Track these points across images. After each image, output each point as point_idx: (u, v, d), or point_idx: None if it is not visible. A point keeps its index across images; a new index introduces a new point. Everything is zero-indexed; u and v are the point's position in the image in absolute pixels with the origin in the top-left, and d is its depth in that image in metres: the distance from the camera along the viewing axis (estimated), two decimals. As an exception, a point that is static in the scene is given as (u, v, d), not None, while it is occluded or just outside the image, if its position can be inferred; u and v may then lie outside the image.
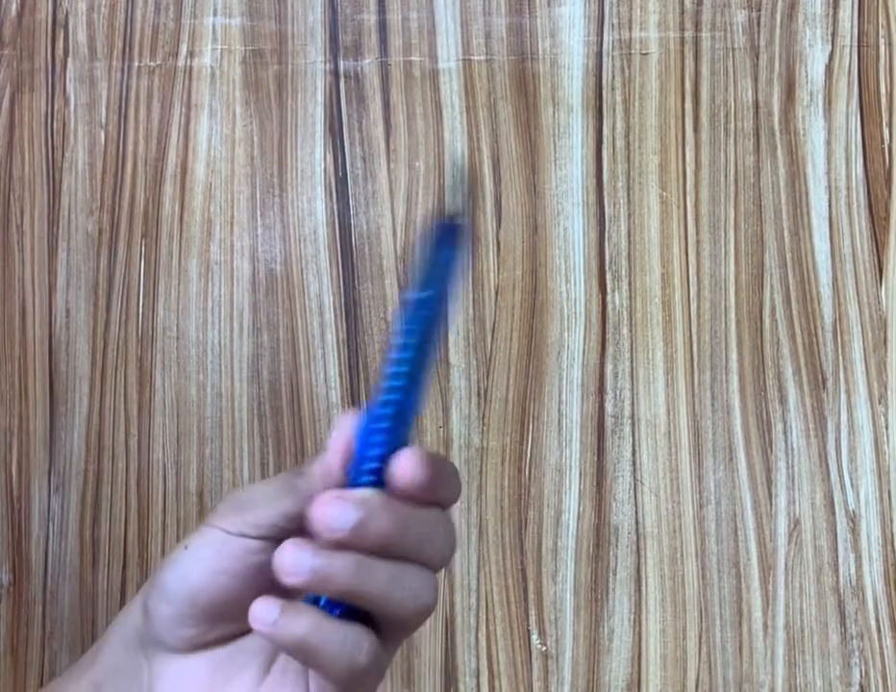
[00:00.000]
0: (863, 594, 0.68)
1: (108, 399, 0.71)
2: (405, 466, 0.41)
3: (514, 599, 0.70)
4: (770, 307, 0.70)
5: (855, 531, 0.69)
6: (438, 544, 0.43)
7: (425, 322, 0.43)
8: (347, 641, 0.41)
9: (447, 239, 0.44)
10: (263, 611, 0.41)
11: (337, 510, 0.40)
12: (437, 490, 0.42)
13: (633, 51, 0.71)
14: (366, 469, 0.42)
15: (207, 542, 0.44)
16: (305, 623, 0.41)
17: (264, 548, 0.43)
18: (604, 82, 0.71)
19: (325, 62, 0.72)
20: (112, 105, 0.72)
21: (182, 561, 0.44)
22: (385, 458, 0.42)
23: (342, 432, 0.44)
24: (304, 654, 0.41)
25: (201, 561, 0.44)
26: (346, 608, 0.42)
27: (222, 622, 0.45)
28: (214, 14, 0.72)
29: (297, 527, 0.44)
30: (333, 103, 0.72)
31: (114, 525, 0.71)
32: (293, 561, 0.40)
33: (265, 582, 0.43)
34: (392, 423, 0.42)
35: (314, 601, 0.42)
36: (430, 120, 0.71)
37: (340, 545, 0.40)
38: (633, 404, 0.70)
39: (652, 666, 0.69)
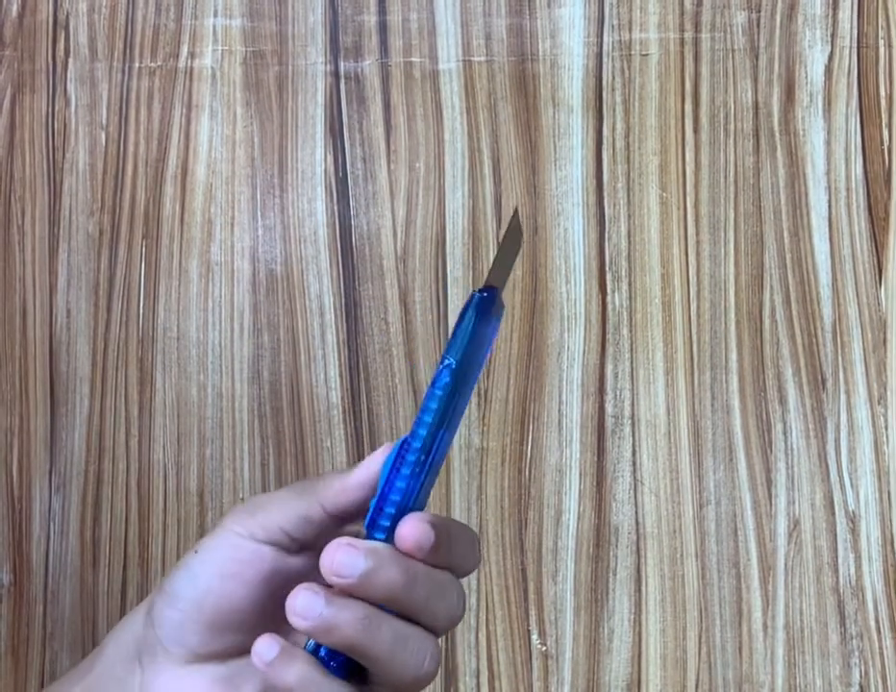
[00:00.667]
0: (863, 594, 0.69)
1: (108, 399, 0.72)
2: (409, 531, 0.41)
3: (514, 599, 0.70)
4: (770, 307, 0.70)
5: (854, 531, 0.69)
6: (446, 605, 0.43)
7: (448, 389, 0.43)
8: None
9: (483, 309, 0.44)
10: (263, 648, 0.41)
11: (347, 557, 0.41)
12: (444, 558, 0.43)
13: (633, 52, 0.71)
14: (381, 524, 0.43)
15: (217, 545, 0.44)
16: (296, 672, 0.41)
17: (275, 557, 0.44)
18: (604, 83, 0.71)
19: (325, 64, 0.72)
20: (113, 106, 0.73)
21: (191, 565, 0.44)
22: (397, 516, 0.43)
23: (374, 461, 0.44)
24: None
25: (211, 564, 0.44)
26: (345, 661, 0.42)
27: (226, 632, 0.45)
28: (215, 15, 0.72)
29: (310, 537, 0.44)
30: (333, 104, 0.72)
31: (115, 525, 0.71)
32: (305, 605, 0.41)
33: (273, 593, 0.44)
34: (409, 482, 0.43)
35: (317, 646, 0.42)
36: (430, 121, 0.72)
37: (348, 593, 0.41)
38: (633, 404, 0.70)
39: (652, 666, 0.69)
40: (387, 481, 0.43)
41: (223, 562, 0.44)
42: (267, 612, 0.44)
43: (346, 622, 0.40)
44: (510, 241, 0.47)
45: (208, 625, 0.44)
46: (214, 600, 0.44)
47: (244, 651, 0.45)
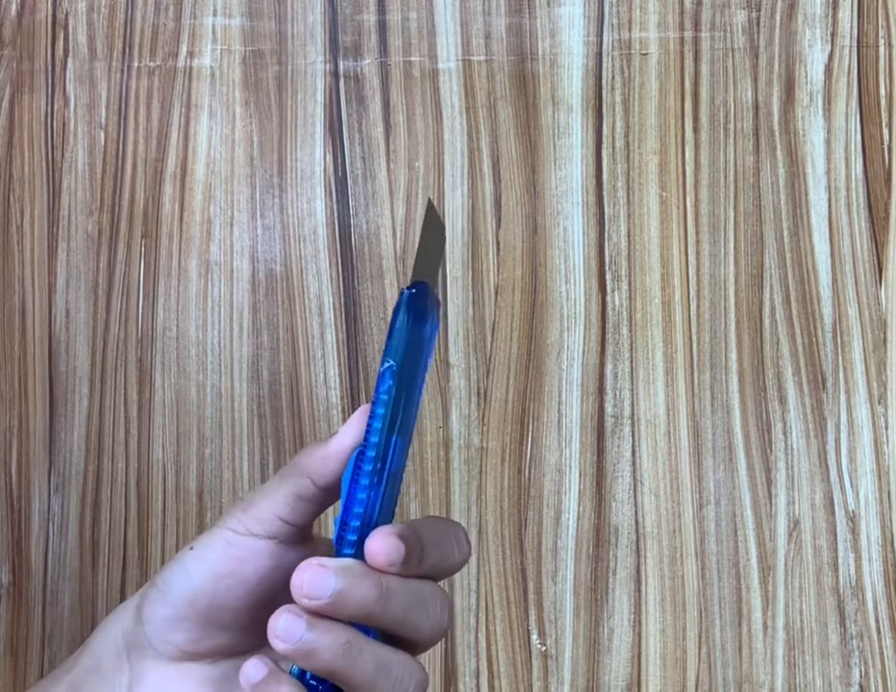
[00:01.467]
0: (863, 594, 0.68)
1: (107, 399, 0.71)
2: (377, 547, 0.40)
3: (514, 599, 0.70)
4: (770, 307, 0.70)
5: (854, 531, 0.69)
6: (428, 616, 0.42)
7: (393, 392, 0.42)
8: None
9: (415, 306, 0.42)
10: (250, 670, 0.40)
11: (317, 577, 0.40)
12: (419, 566, 0.41)
13: (632, 51, 0.71)
14: (348, 539, 0.42)
15: (213, 543, 0.43)
16: None
17: (274, 552, 0.43)
18: (603, 82, 0.71)
19: (325, 63, 0.72)
20: (112, 105, 0.72)
21: (186, 561, 0.44)
22: (363, 528, 0.41)
23: (351, 426, 0.43)
24: None
25: (206, 562, 0.43)
26: (331, 687, 0.41)
27: (218, 631, 0.44)
28: (214, 15, 0.72)
29: (308, 518, 0.44)
30: (332, 103, 0.72)
31: (114, 525, 0.71)
32: (286, 628, 0.40)
33: (270, 592, 0.43)
34: (370, 492, 0.42)
35: (303, 670, 0.41)
36: (429, 120, 0.71)
37: (321, 614, 0.40)
38: (632, 404, 0.70)
39: (652, 666, 0.69)
40: (348, 495, 0.42)
41: (219, 560, 0.43)
42: (263, 612, 0.43)
43: (327, 647, 0.40)
44: (431, 232, 0.44)
45: (200, 623, 0.43)
46: (208, 598, 0.43)
47: (237, 651, 0.44)
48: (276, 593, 0.43)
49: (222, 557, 0.43)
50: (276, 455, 0.71)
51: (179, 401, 0.71)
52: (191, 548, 0.44)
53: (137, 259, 0.72)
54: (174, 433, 0.71)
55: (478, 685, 0.70)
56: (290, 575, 0.41)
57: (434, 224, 0.45)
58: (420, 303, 0.42)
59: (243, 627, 0.44)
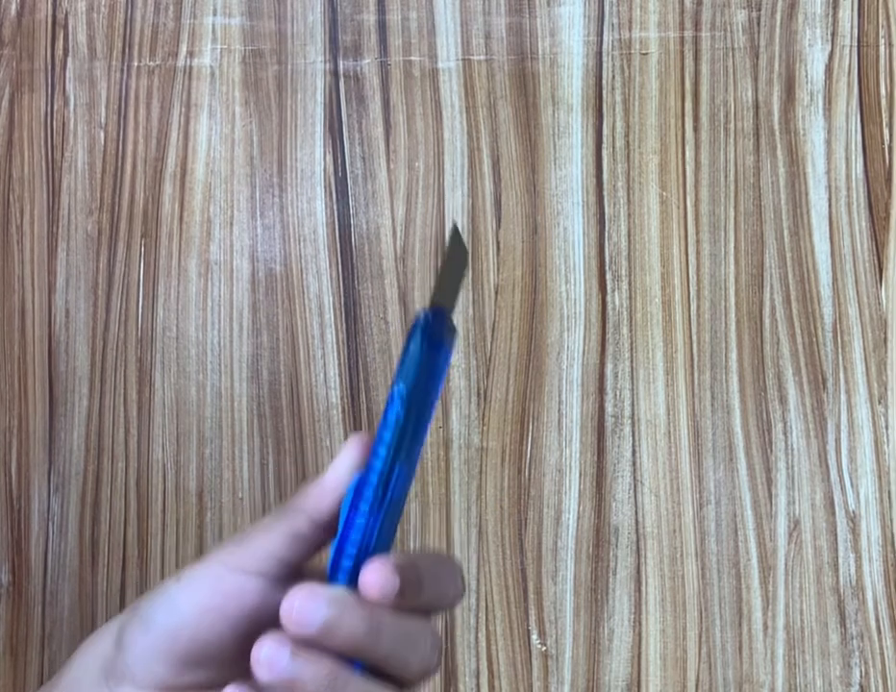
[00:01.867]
0: (863, 594, 0.68)
1: (107, 399, 0.71)
2: (372, 578, 0.40)
3: (514, 599, 0.70)
4: (770, 307, 0.70)
5: (855, 531, 0.69)
6: (417, 655, 0.41)
7: (401, 418, 0.41)
8: None
9: (432, 331, 0.41)
10: None
11: (308, 605, 0.39)
12: (414, 601, 0.41)
13: (632, 51, 0.71)
14: (343, 566, 0.41)
15: (201, 576, 0.42)
16: None
17: (263, 590, 0.42)
18: (604, 81, 0.71)
19: (325, 62, 0.72)
20: (112, 105, 0.72)
21: (171, 592, 0.43)
22: (360, 556, 0.41)
23: (343, 458, 0.43)
24: None
25: (192, 594, 0.42)
26: None
27: (199, 667, 0.43)
28: (214, 14, 0.72)
29: (305, 556, 0.43)
30: (332, 103, 0.72)
31: (114, 525, 0.71)
32: (269, 656, 0.39)
33: (255, 629, 0.42)
34: (368, 519, 0.41)
35: None
36: (429, 120, 0.71)
37: (310, 644, 0.39)
38: (632, 404, 0.70)
39: (652, 666, 0.69)
40: (347, 521, 0.41)
41: (205, 594, 0.42)
42: (246, 647, 0.41)
43: (310, 679, 0.39)
44: (455, 258, 0.43)
45: (181, 657, 0.42)
46: (191, 632, 0.42)
47: (219, 685, 0.43)
48: (261, 630, 0.41)
49: (209, 592, 0.42)
50: (276, 455, 0.71)
51: (179, 401, 0.71)
52: (178, 580, 0.43)
53: (137, 258, 0.72)
54: (174, 433, 0.71)
55: (478, 685, 0.70)
56: (277, 614, 0.40)
57: (457, 249, 0.44)
58: (438, 328, 0.41)
59: (227, 663, 0.43)
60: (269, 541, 0.42)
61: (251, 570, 0.42)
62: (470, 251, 0.71)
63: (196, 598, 0.42)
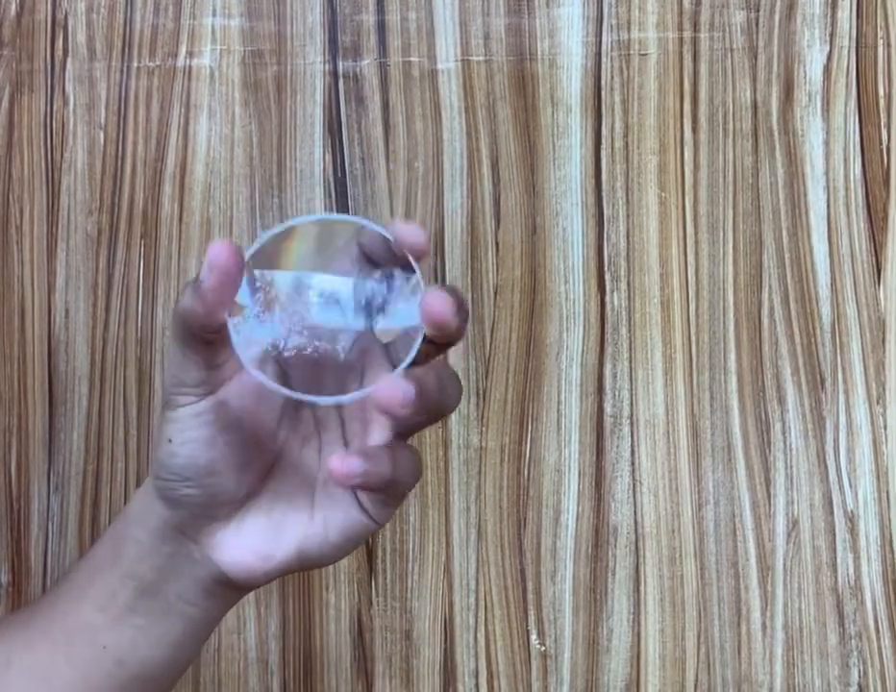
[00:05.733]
0: (862, 594, 0.69)
1: (107, 399, 0.71)
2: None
3: (513, 599, 0.70)
4: (769, 307, 0.70)
5: (853, 531, 0.69)
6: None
7: None
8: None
9: None
10: (342, 466, 0.43)
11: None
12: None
13: (631, 52, 0.71)
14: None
15: (183, 426, 0.44)
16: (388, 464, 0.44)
17: (226, 392, 0.45)
18: (602, 82, 0.71)
19: (324, 63, 0.72)
20: (112, 105, 0.73)
21: (174, 449, 0.45)
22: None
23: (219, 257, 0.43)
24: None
25: (193, 442, 0.44)
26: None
27: (246, 464, 0.46)
28: (213, 15, 0.72)
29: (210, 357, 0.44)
30: (332, 103, 0.72)
31: (114, 525, 0.71)
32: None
33: (256, 416, 0.45)
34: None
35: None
36: (429, 121, 0.71)
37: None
38: (631, 404, 0.70)
39: (651, 666, 0.69)
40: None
41: (201, 431, 0.44)
42: (268, 422, 0.46)
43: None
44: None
45: (224, 466, 0.45)
46: (216, 460, 0.44)
47: (273, 462, 0.47)
48: (261, 405, 0.45)
49: (196, 426, 0.44)
50: (275, 455, 0.71)
51: (178, 401, 0.71)
52: (170, 441, 0.45)
53: (137, 259, 0.72)
54: (173, 433, 0.71)
55: (477, 685, 0.70)
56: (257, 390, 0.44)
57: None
58: None
59: (263, 440, 0.46)
60: (180, 369, 0.44)
61: (196, 394, 0.45)
62: (469, 251, 0.71)
63: (195, 438, 0.45)
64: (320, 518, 0.45)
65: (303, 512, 0.46)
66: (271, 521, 0.46)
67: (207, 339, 0.43)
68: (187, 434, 0.44)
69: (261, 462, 0.46)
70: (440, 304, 0.42)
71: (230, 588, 0.47)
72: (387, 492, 0.45)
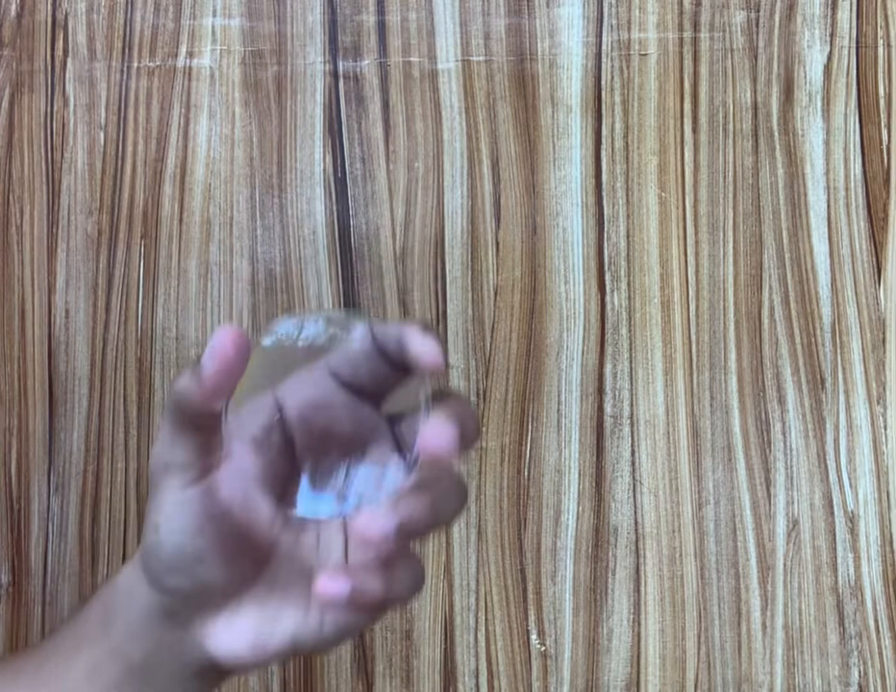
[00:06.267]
0: (862, 594, 0.69)
1: (107, 399, 0.71)
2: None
3: (513, 599, 0.70)
4: (769, 307, 0.70)
5: (853, 531, 0.69)
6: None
7: None
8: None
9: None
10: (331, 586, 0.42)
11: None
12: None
13: (631, 52, 0.71)
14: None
15: (173, 513, 0.43)
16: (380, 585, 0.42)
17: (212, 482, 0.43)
18: (603, 82, 0.71)
19: (324, 63, 0.72)
20: (112, 105, 0.73)
21: (160, 540, 0.44)
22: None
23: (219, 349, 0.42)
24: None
25: (180, 533, 0.43)
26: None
27: (231, 559, 0.44)
28: (214, 15, 0.72)
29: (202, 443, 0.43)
30: (332, 104, 0.72)
31: (114, 525, 0.71)
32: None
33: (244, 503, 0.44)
34: None
35: None
36: (429, 121, 0.72)
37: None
38: (631, 404, 0.70)
39: (651, 666, 0.69)
40: None
41: (185, 519, 0.43)
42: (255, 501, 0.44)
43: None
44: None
45: (212, 554, 0.43)
46: (202, 544, 0.43)
47: (264, 543, 0.45)
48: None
49: (189, 516, 0.43)
50: (275, 455, 0.71)
51: (178, 401, 0.71)
52: (157, 525, 0.44)
53: (137, 259, 0.72)
54: (174, 434, 0.71)
55: (477, 685, 0.70)
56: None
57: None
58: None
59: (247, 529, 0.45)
60: (167, 450, 0.43)
61: (191, 479, 0.43)
62: (469, 252, 0.71)
63: (181, 526, 0.43)
64: (316, 613, 0.44)
65: (298, 607, 0.44)
66: (265, 614, 0.44)
67: (199, 424, 0.42)
68: (175, 524, 0.43)
69: (254, 552, 0.45)
70: (438, 438, 0.40)
71: (221, 672, 0.46)
72: (379, 609, 0.43)
